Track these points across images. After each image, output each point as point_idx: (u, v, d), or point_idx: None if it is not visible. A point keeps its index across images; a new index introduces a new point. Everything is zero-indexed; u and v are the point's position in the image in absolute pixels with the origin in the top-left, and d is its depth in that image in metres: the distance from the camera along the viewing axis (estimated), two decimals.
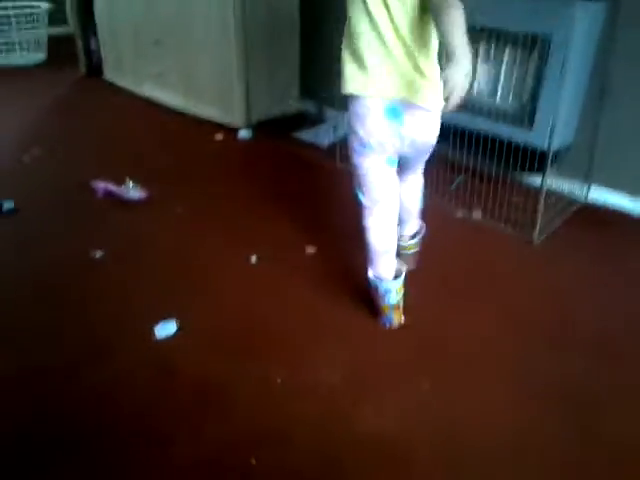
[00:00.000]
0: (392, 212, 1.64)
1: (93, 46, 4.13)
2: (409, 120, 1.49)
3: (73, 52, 4.28)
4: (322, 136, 3.10)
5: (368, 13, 1.40)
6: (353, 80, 1.49)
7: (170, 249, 2.10)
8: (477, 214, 2.35)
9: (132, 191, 2.42)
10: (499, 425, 1.41)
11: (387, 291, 1.67)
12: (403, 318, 1.74)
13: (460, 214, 2.36)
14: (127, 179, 2.44)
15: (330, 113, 3.34)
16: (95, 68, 4.18)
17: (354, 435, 1.37)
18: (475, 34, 2.43)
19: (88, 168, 2.72)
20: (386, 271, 1.67)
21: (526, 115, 2.44)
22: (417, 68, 1.43)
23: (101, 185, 2.44)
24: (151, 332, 1.65)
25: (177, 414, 1.42)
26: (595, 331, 1.75)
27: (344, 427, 1.39)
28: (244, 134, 3.15)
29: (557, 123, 2.14)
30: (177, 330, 1.67)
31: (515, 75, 2.50)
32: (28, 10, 4.49)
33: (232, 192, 2.55)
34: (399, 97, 1.46)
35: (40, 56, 4.64)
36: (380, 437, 1.37)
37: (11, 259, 2.04)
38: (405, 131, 1.50)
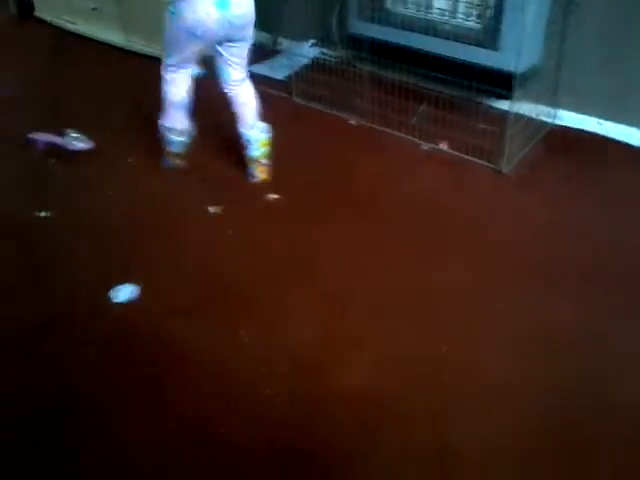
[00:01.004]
0: (189, 76, 2.04)
1: None
2: (234, 6, 1.79)
3: None
4: (277, 69, 2.92)
5: None
6: None
7: (123, 204, 1.97)
8: (443, 145, 2.25)
9: (76, 142, 2.24)
10: (483, 369, 1.39)
11: (172, 142, 2.08)
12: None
13: (425, 147, 2.27)
14: (67, 130, 2.25)
15: (285, 44, 3.14)
16: (27, 6, 3.81)
17: (327, 394, 1.33)
18: None
19: (24, 118, 2.50)
20: (176, 123, 2.05)
21: (490, 35, 2.30)
22: None
23: (41, 137, 2.25)
24: (108, 296, 1.55)
25: (136, 384, 1.35)
26: (577, 260, 1.71)
27: (316, 385, 1.34)
28: (194, 71, 2.93)
29: (523, 42, 2.02)
30: (136, 293, 1.57)
31: None
32: None
33: None
34: None
35: None
36: (355, 392, 1.33)
37: None
38: (231, 14, 1.79)
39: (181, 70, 2.00)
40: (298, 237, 1.81)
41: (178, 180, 2.09)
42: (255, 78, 2.85)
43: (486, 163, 2.14)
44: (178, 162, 2.13)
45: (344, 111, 2.49)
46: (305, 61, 2.92)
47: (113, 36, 3.20)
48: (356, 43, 2.64)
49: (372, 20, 2.55)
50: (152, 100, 2.60)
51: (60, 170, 2.15)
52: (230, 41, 1.92)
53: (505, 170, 2.11)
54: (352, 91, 2.51)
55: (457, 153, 2.20)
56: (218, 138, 2.31)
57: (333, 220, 1.88)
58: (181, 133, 2.09)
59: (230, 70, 2.01)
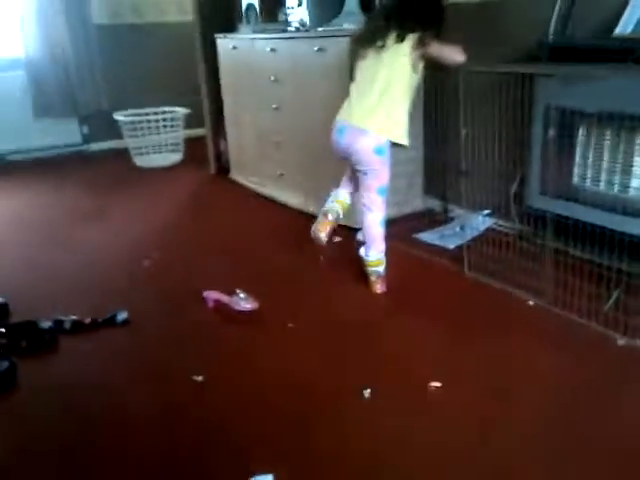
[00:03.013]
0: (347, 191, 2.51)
1: (222, 147, 4.29)
2: (347, 137, 2.30)
3: (205, 153, 4.49)
4: (447, 238, 2.83)
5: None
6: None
7: (274, 375, 1.89)
8: None
9: (242, 302, 2.29)
10: None
11: (327, 202, 2.49)
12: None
13: (622, 341, 1.93)
14: (237, 290, 2.33)
15: (457, 212, 3.08)
16: (223, 168, 4.32)
17: None
18: (633, 122, 2.09)
19: (204, 273, 2.67)
20: (337, 192, 2.51)
21: None
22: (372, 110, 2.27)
23: (212, 295, 2.34)
24: None
25: None
26: None
27: None
28: (362, 235, 2.96)
29: None
30: None
31: None
32: (169, 115, 4.82)
33: (349, 305, 2.33)
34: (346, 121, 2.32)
35: (178, 157, 4.92)
36: None
37: (115, 379, 1.95)
38: (345, 143, 2.31)
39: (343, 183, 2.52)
40: (464, 438, 1.56)
41: (336, 354, 2.00)
42: (424, 246, 2.81)
43: None
44: (321, 231, 2.42)
45: (521, 290, 2.27)
46: (478, 232, 2.81)
47: (294, 199, 3.42)
48: (536, 217, 2.47)
49: (556, 195, 2.39)
50: (322, 269, 2.65)
51: (223, 331, 2.19)
52: (357, 167, 2.33)
53: None
54: (531, 268, 2.31)
55: None
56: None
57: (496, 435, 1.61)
58: (335, 197, 2.48)
59: (361, 192, 2.39)
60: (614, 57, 2.08)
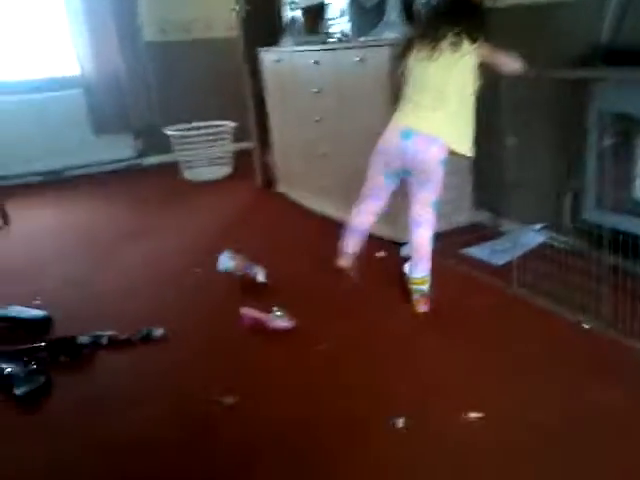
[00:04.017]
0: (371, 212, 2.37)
1: (269, 160, 4.28)
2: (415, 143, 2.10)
3: (253, 165, 4.49)
4: (497, 253, 2.68)
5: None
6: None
7: (302, 400, 1.81)
8: None
9: (278, 320, 2.24)
10: None
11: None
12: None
13: None
14: (274, 308, 2.27)
15: (508, 226, 2.92)
16: (270, 180, 4.31)
17: None
18: None
19: (246, 289, 2.62)
20: (347, 246, 2.41)
21: None
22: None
23: (249, 313, 2.30)
24: None
25: None
26: None
27: None
28: (407, 250, 2.85)
29: None
30: None
31: None
32: (217, 129, 4.86)
33: (388, 326, 2.23)
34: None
35: (227, 170, 4.95)
36: None
37: (146, 397, 1.93)
38: (411, 148, 2.11)
39: (365, 201, 2.34)
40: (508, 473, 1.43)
41: (366, 371, 1.90)
42: (471, 262, 2.67)
43: None
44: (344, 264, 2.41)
45: (575, 312, 2.10)
46: (530, 248, 2.64)
47: (338, 213, 3.34)
48: (592, 232, 2.30)
49: (614, 209, 2.21)
50: (363, 286, 2.55)
51: (257, 351, 2.13)
52: (417, 178, 2.18)
53: None
54: (586, 288, 2.14)
55: None
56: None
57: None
58: (347, 256, 2.41)
59: (413, 207, 2.25)
60: None
